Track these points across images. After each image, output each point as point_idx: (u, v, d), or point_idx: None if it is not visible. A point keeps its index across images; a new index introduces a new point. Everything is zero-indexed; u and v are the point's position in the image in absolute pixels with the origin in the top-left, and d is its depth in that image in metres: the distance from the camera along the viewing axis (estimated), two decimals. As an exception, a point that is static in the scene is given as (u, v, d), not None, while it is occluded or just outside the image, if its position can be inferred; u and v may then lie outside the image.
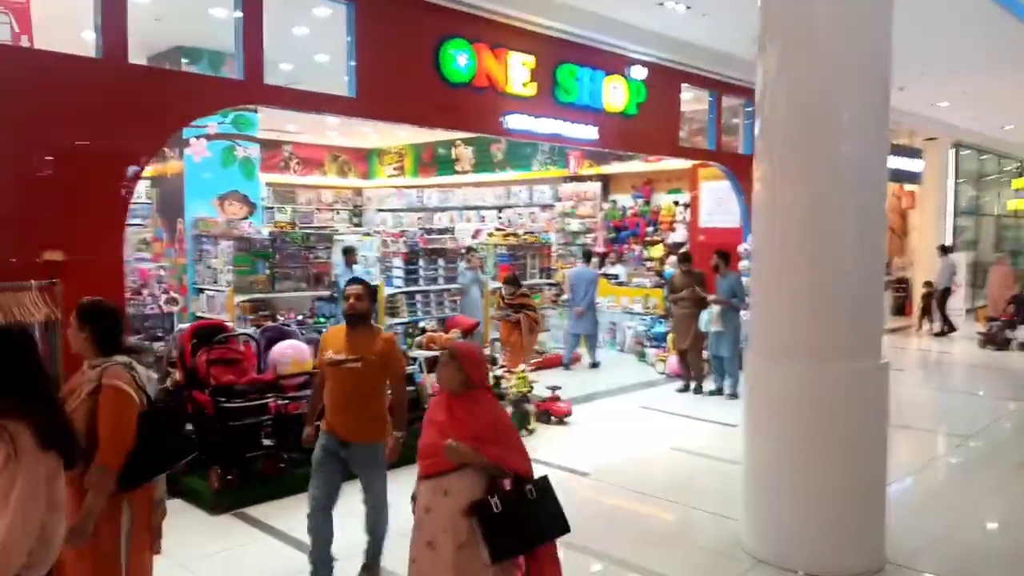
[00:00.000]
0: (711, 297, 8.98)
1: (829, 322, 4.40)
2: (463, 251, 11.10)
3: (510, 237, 11.28)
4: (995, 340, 12.78)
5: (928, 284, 15.23)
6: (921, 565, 4.56)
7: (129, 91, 5.41)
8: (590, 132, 9.06)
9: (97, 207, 5.23)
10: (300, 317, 8.61)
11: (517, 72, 8.16)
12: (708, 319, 8.94)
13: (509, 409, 7.26)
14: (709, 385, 9.23)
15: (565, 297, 12.97)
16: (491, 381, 7.41)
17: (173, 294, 7.79)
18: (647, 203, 14.74)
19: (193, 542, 4.78)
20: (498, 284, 11.15)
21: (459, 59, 7.59)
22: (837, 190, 4.38)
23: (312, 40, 9.06)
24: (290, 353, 5.86)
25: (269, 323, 7.18)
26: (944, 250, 14.80)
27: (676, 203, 14.05)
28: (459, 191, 17.81)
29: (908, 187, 17.71)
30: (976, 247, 20.55)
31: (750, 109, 10.66)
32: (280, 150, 19.02)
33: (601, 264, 13.55)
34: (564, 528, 3.32)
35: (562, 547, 4.81)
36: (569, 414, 7.87)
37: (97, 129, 5.25)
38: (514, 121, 8.24)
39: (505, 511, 3.14)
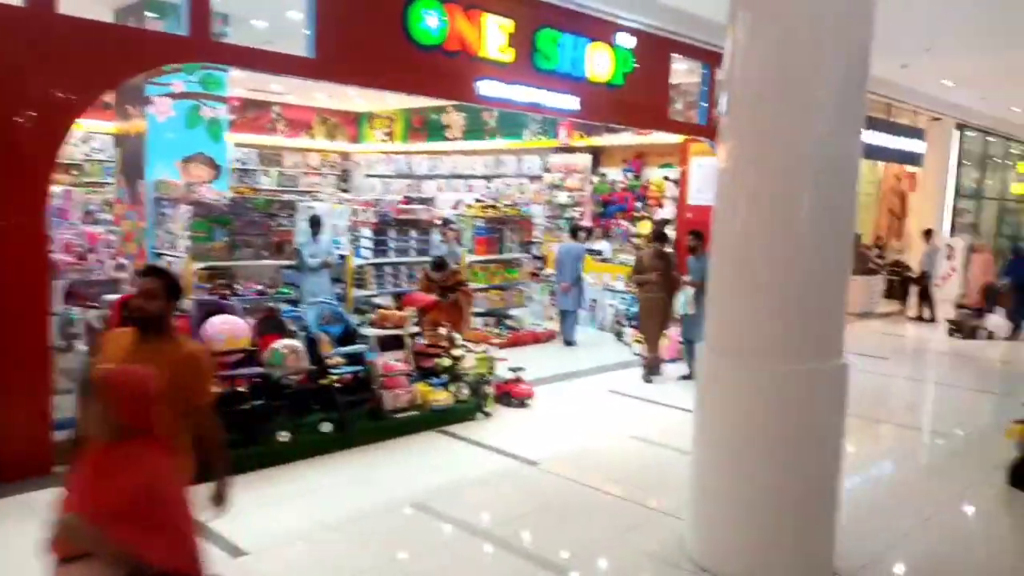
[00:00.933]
0: (685, 279, 8.58)
1: (789, 319, 4.07)
2: (438, 223, 10.75)
3: (489, 209, 10.89)
4: (962, 329, 12.43)
5: (900, 268, 14.91)
6: (873, 578, 4.30)
7: (55, 44, 5.03)
8: (571, 102, 8.65)
9: (18, 169, 4.89)
10: (260, 287, 8.29)
11: (493, 36, 7.74)
12: (684, 301, 8.56)
13: (465, 392, 7.00)
14: (682, 369, 8.89)
15: (547, 272, 12.69)
16: (448, 362, 7.18)
17: (122, 259, 7.44)
18: (637, 177, 14.31)
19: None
20: (477, 257, 10.87)
21: (428, 20, 7.17)
22: (805, 176, 4.01)
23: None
24: (225, 329, 5.56)
25: (206, 295, 6.83)
26: (928, 235, 14.38)
27: (666, 178, 13.63)
28: (448, 158, 17.38)
29: (909, 168, 17.28)
30: (977, 231, 20.14)
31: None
32: (268, 111, 18.58)
33: (587, 239, 13.19)
34: None
35: (485, 543, 4.61)
36: (531, 397, 7.57)
37: (18, 84, 4.88)
38: (488, 88, 7.84)
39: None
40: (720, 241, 4.34)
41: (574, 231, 11.52)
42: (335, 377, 6.20)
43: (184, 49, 5.89)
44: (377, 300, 7.34)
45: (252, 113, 18.31)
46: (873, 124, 13.91)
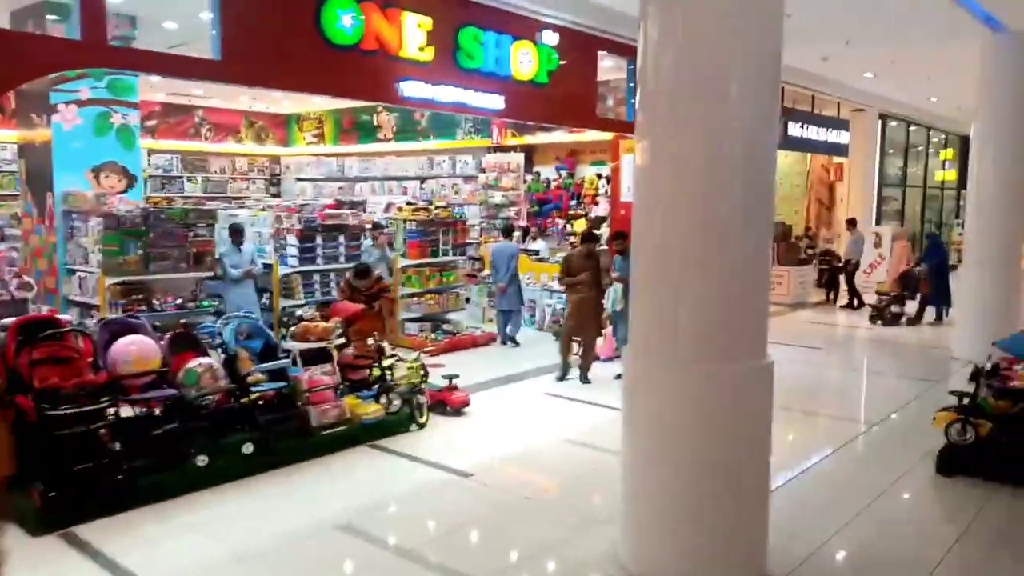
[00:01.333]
0: (614, 274, 8.50)
1: (710, 319, 3.98)
2: (368, 227, 10.49)
3: (421, 212, 10.67)
4: (883, 316, 12.72)
5: (830, 257, 15.21)
6: (807, 577, 4.26)
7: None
8: (496, 101, 8.50)
9: None
10: (179, 301, 7.94)
11: (412, 34, 7.54)
12: (614, 298, 8.45)
13: (397, 403, 6.78)
14: (616, 369, 8.77)
15: (485, 273, 12.53)
16: (378, 373, 6.95)
17: (27, 278, 7.01)
18: (571, 175, 14.27)
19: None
20: (410, 261, 10.64)
21: (344, 19, 6.92)
22: (721, 173, 3.93)
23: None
24: (133, 350, 5.23)
25: (118, 314, 6.47)
26: (852, 224, 14.69)
27: (599, 176, 13.61)
28: (381, 160, 17.06)
29: (836, 159, 17.66)
30: (903, 218, 20.73)
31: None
32: (191, 115, 17.96)
33: (523, 238, 13.07)
34: None
35: (414, 564, 4.43)
36: (466, 404, 7.40)
37: None
38: (410, 88, 7.64)
39: None
40: (639, 240, 4.24)
41: (507, 231, 11.39)
42: (256, 395, 5.91)
43: (76, 54, 5.55)
44: (300, 312, 7.05)
45: (174, 118, 17.69)
46: (799, 116, 14.14)
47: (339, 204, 12.81)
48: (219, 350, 6.13)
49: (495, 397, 8.04)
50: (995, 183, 9.77)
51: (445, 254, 10.97)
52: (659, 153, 4.08)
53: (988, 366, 6.26)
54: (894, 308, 12.69)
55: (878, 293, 13.27)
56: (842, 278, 14.80)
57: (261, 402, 5.98)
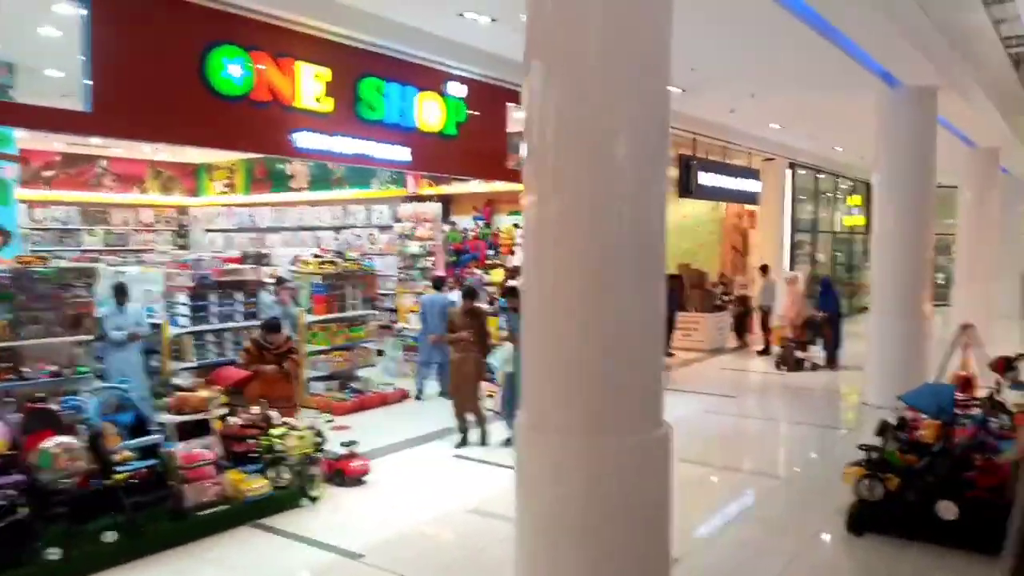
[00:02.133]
0: (503, 333, 8.14)
1: (599, 387, 3.73)
2: (271, 281, 10.01)
3: (327, 265, 10.25)
4: (787, 361, 12.81)
5: (746, 303, 15.37)
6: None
7: None
8: (401, 153, 8.23)
9: None
10: (54, 368, 7.28)
11: (308, 85, 7.22)
12: (503, 358, 7.94)
13: (286, 476, 6.29)
14: (503, 433, 8.06)
15: (401, 326, 12.15)
16: (267, 442, 6.44)
17: None
18: (488, 225, 14.07)
19: None
20: (317, 317, 10.17)
21: (231, 68, 6.57)
22: (609, 233, 3.71)
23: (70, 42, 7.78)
24: (-31, 434, 4.65)
25: None
26: (765, 270, 14.90)
27: (516, 226, 13.43)
28: (294, 210, 16.56)
29: (749, 207, 18.02)
30: (814, 262, 21.27)
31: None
32: (92, 165, 17.14)
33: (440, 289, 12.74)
34: None
35: None
36: (366, 473, 6.95)
37: None
38: (305, 140, 7.30)
39: None
40: (527, 300, 3.97)
41: (438, 283, 11.08)
42: (123, 475, 5.36)
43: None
44: (178, 379, 6.51)
45: (74, 168, 16.85)
46: (710, 166, 14.35)
47: (243, 257, 12.29)
48: (83, 426, 5.56)
49: (401, 461, 7.62)
50: (896, 233, 9.96)
51: (354, 308, 10.55)
52: (544, 210, 3.85)
53: (895, 420, 6.19)
54: (798, 353, 12.79)
55: (780, 339, 13.36)
56: (756, 323, 14.94)
57: (133, 482, 5.43)
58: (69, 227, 16.42)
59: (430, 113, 8.51)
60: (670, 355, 14.32)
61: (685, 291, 15.68)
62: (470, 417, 8.20)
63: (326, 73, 7.31)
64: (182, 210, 18.65)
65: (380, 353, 12.15)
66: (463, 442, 8.15)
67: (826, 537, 5.78)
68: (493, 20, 7.36)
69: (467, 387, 8.21)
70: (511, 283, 10.84)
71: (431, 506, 6.35)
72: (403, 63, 8.11)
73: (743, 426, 9.48)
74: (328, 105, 7.37)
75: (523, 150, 3.97)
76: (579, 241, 3.73)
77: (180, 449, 5.80)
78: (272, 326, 7.74)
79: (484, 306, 9.91)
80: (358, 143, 7.72)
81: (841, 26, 7.62)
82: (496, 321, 10.92)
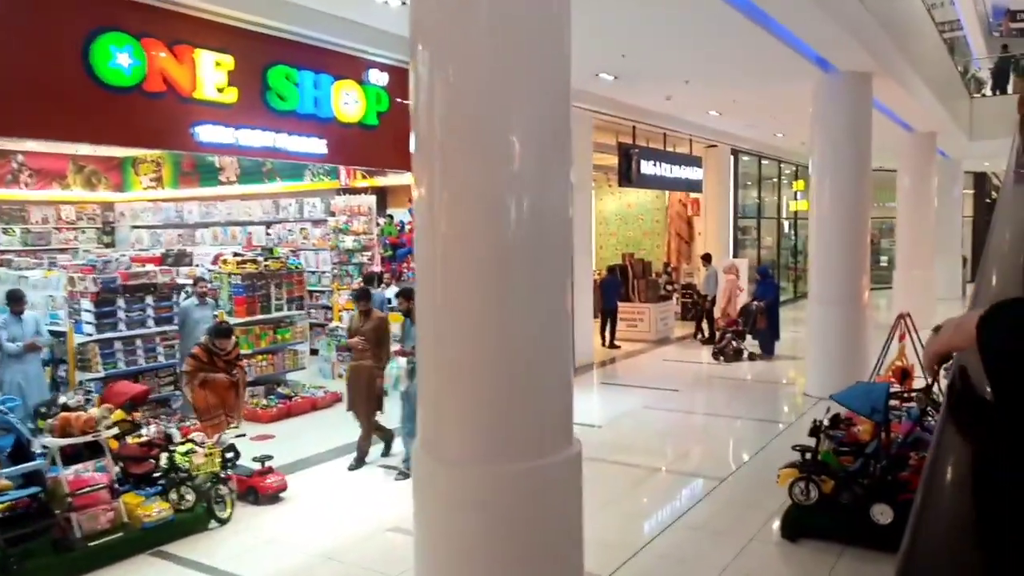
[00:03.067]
0: (395, 347, 7.09)
1: (502, 410, 3.38)
2: (189, 282, 9.44)
3: (248, 264, 9.71)
4: (724, 352, 12.66)
5: (692, 291, 15.23)
6: None
7: None
8: (316, 145, 7.74)
9: None
10: (-63, 385, 6.70)
11: (209, 74, 6.70)
12: (396, 375, 6.97)
13: (190, 498, 5.84)
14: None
15: (335, 325, 11.65)
16: (163, 462, 5.96)
17: None
18: (424, 217, 13.61)
19: None
20: (238, 320, 9.63)
21: (119, 57, 6.02)
22: (505, 233, 3.36)
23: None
24: None
25: None
26: (707, 259, 14.76)
27: (453, 217, 13.03)
28: (223, 204, 15.87)
29: (693, 194, 17.87)
30: (759, 248, 21.30)
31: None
32: (8, 160, 16.17)
33: (376, 285, 12.28)
34: None
35: None
36: (282, 489, 6.52)
37: None
38: (209, 133, 6.78)
39: None
40: (422, 310, 3.61)
41: (370, 279, 10.59)
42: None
43: None
44: (63, 399, 5.96)
45: (-14, 164, 15.88)
46: (650, 154, 14.11)
47: (164, 257, 11.67)
48: (-49, 455, 5.04)
49: (324, 474, 7.20)
50: (833, 219, 9.84)
51: (279, 309, 10.05)
52: (433, 206, 3.48)
53: (826, 420, 5.99)
54: (734, 344, 12.65)
55: (715, 330, 13.21)
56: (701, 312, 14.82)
57: (7, 514, 4.94)
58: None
59: (348, 103, 8.03)
60: (616, 347, 14.09)
61: (629, 281, 15.48)
62: (361, 435, 7.44)
63: (228, 61, 6.79)
64: (107, 206, 17.78)
65: (314, 352, 11.68)
66: (357, 463, 7.34)
67: (760, 544, 5.54)
68: (403, 3, 6.91)
69: (355, 401, 7.43)
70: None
71: (347, 525, 5.96)
72: (316, 50, 7.62)
73: (682, 422, 9.26)
74: (232, 95, 6.85)
75: (412, 141, 3.59)
76: (471, 240, 3.37)
77: (67, 474, 5.31)
78: (222, 331, 7.13)
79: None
80: (268, 135, 7.23)
81: (774, 13, 7.38)
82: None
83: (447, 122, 3.39)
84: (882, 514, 5.26)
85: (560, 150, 3.53)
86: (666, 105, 12.38)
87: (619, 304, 14.37)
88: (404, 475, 6.76)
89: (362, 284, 9.81)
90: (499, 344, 3.36)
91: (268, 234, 14.86)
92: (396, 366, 6.85)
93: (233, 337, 7.25)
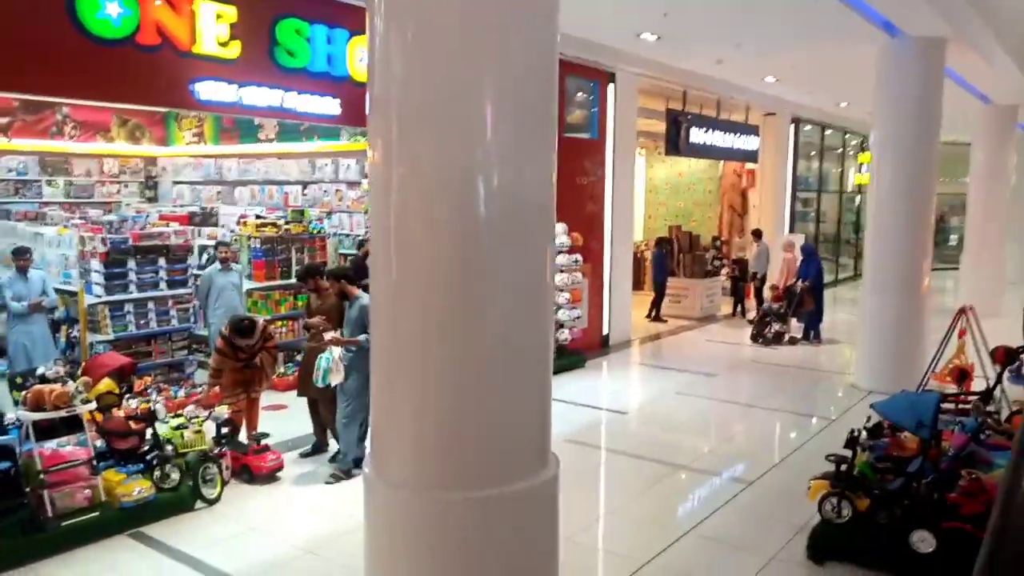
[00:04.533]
0: (329, 336, 6.22)
1: (467, 427, 2.90)
2: (210, 243, 9.17)
3: (269, 227, 9.39)
4: (764, 335, 11.86)
5: (742, 266, 14.40)
6: None
7: None
8: (329, 106, 7.31)
9: None
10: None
11: (210, 27, 6.28)
12: (325, 367, 6.06)
13: (175, 476, 5.55)
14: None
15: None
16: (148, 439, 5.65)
17: None
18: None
19: None
20: (257, 284, 9.35)
21: (108, 7, 5.63)
22: (475, 211, 2.85)
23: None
24: None
25: None
26: (757, 235, 13.92)
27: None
28: (261, 162, 15.61)
29: (749, 165, 16.95)
30: (819, 223, 20.23)
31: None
32: (52, 112, 16.19)
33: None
34: None
35: None
36: (279, 468, 6.21)
37: None
38: (210, 90, 6.39)
39: None
40: (376, 299, 3.13)
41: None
42: (-37, 484, 4.63)
43: None
44: (42, 369, 5.69)
45: (32, 115, 15.91)
46: (703, 122, 13.29)
47: (191, 217, 11.45)
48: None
49: (330, 450, 6.86)
50: (893, 198, 9.00)
51: (300, 275, 9.71)
52: (387, 180, 2.99)
53: (865, 430, 5.36)
54: (776, 326, 11.87)
55: (761, 312, 12.43)
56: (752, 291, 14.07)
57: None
58: (26, 178, 15.59)
59: (365, 60, 7.53)
60: (663, 321, 13.56)
61: (675, 255, 14.78)
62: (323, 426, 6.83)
63: (231, 13, 6.35)
64: (150, 160, 17.75)
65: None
66: (312, 450, 6.75)
67: (781, 564, 4.99)
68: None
69: (307, 384, 6.56)
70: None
71: (340, 512, 5.61)
72: (330, 2, 7.13)
73: (715, 412, 8.64)
74: (235, 50, 6.43)
75: (368, 103, 3.08)
76: (429, 221, 2.87)
77: (42, 449, 5.06)
78: (242, 329, 6.45)
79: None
80: (275, 94, 6.81)
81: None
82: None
83: (404, 82, 2.87)
84: (923, 541, 4.64)
85: (542, 118, 2.98)
86: (718, 69, 11.54)
87: (667, 279, 13.90)
88: (338, 477, 6.20)
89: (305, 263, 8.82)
90: (461, 345, 2.87)
91: (304, 194, 14.58)
92: (326, 357, 6.06)
93: (258, 330, 6.58)
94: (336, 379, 6.07)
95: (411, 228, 2.92)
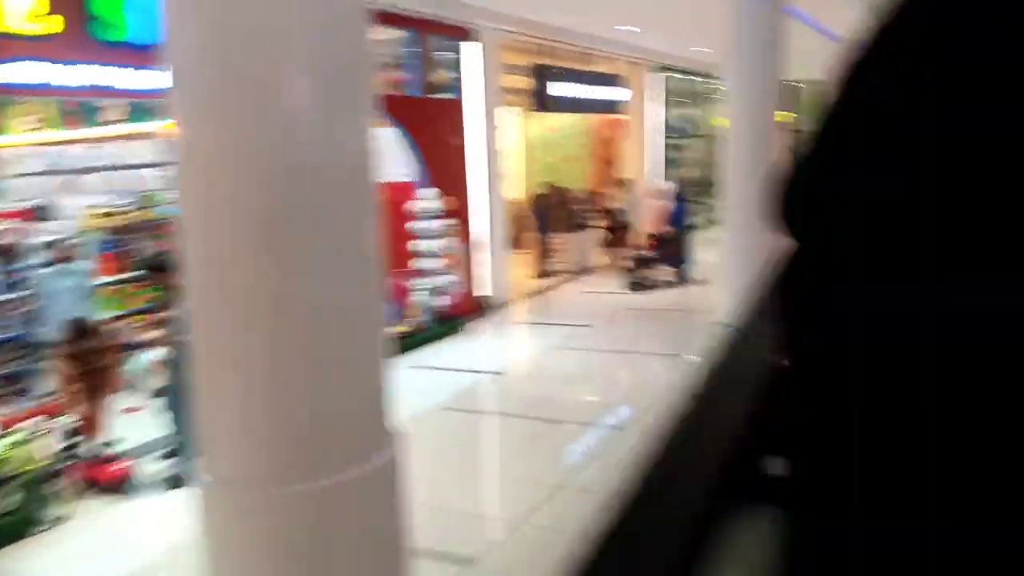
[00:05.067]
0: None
1: (287, 409, 2.75)
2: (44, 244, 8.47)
3: (114, 216, 8.76)
4: (639, 283, 12.25)
5: (612, 216, 14.69)
6: None
7: None
8: (153, 79, 6.81)
9: None
10: None
11: (18, 2, 5.68)
12: (144, 362, 5.71)
13: (16, 497, 5.14)
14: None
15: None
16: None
17: None
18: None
19: None
20: (108, 278, 8.74)
21: None
22: (278, 173, 2.66)
23: None
24: None
25: None
26: (622, 184, 14.19)
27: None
28: (108, 146, 14.54)
29: (617, 116, 17.15)
30: (693, 169, 20.75)
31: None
32: None
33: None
34: None
35: None
36: (127, 478, 5.83)
37: None
38: (16, 72, 5.82)
39: None
40: (189, 287, 2.90)
41: None
42: None
43: None
44: None
45: None
46: (566, 76, 13.29)
47: (34, 212, 10.55)
48: None
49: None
50: (738, 135, 9.33)
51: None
52: (186, 143, 2.78)
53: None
54: (648, 272, 12.22)
55: (632, 258, 12.73)
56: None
57: None
58: None
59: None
60: (549, 276, 13.70)
61: (550, 211, 14.85)
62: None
63: (33, -16, 5.78)
64: (-16, 152, 16.27)
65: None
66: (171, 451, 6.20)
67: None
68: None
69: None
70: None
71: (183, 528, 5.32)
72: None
73: (592, 363, 8.78)
74: (55, 25, 5.86)
75: (169, 73, 2.82)
76: (234, 196, 2.67)
77: None
78: (77, 330, 6.11)
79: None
80: (92, 71, 6.27)
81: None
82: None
83: (201, 52, 2.64)
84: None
85: (353, 79, 2.80)
86: (577, 22, 11.51)
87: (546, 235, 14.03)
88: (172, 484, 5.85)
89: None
90: (275, 329, 2.70)
91: (161, 177, 13.70)
92: (145, 356, 5.66)
93: (93, 330, 6.23)
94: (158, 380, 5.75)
95: (217, 207, 2.70)
